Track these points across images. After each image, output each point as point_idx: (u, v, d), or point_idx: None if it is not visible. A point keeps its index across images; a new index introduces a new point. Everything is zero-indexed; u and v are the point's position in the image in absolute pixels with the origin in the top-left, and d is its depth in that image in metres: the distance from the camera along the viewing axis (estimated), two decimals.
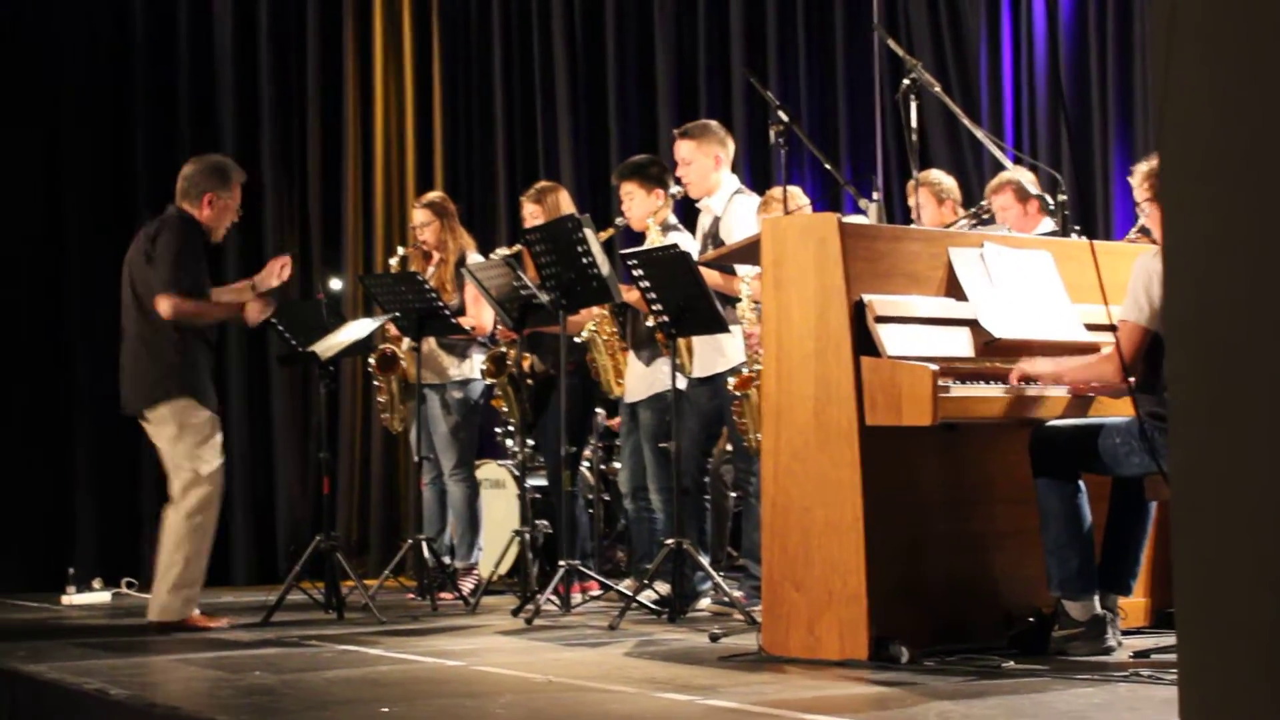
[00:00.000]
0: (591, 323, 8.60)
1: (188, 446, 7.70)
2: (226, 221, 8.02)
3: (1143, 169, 5.87)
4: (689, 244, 8.02)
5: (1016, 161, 8.48)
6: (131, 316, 7.87)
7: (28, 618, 8.88)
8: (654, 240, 8.10)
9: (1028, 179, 7.96)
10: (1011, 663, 5.51)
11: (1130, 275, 5.64)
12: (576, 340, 8.63)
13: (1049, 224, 7.67)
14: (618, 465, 9.18)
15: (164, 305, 7.66)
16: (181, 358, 7.74)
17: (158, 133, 11.50)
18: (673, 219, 8.46)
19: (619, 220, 8.49)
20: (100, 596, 9.84)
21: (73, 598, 9.71)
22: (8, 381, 10.95)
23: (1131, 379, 5.61)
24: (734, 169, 8.27)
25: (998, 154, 7.63)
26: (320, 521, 8.75)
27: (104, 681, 5.68)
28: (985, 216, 7.65)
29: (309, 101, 12.02)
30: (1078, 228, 7.42)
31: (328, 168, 12.06)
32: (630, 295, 8.00)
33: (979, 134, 7.49)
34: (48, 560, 10.69)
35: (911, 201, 8.37)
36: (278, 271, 8.13)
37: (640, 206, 8.42)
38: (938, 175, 8.62)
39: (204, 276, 7.85)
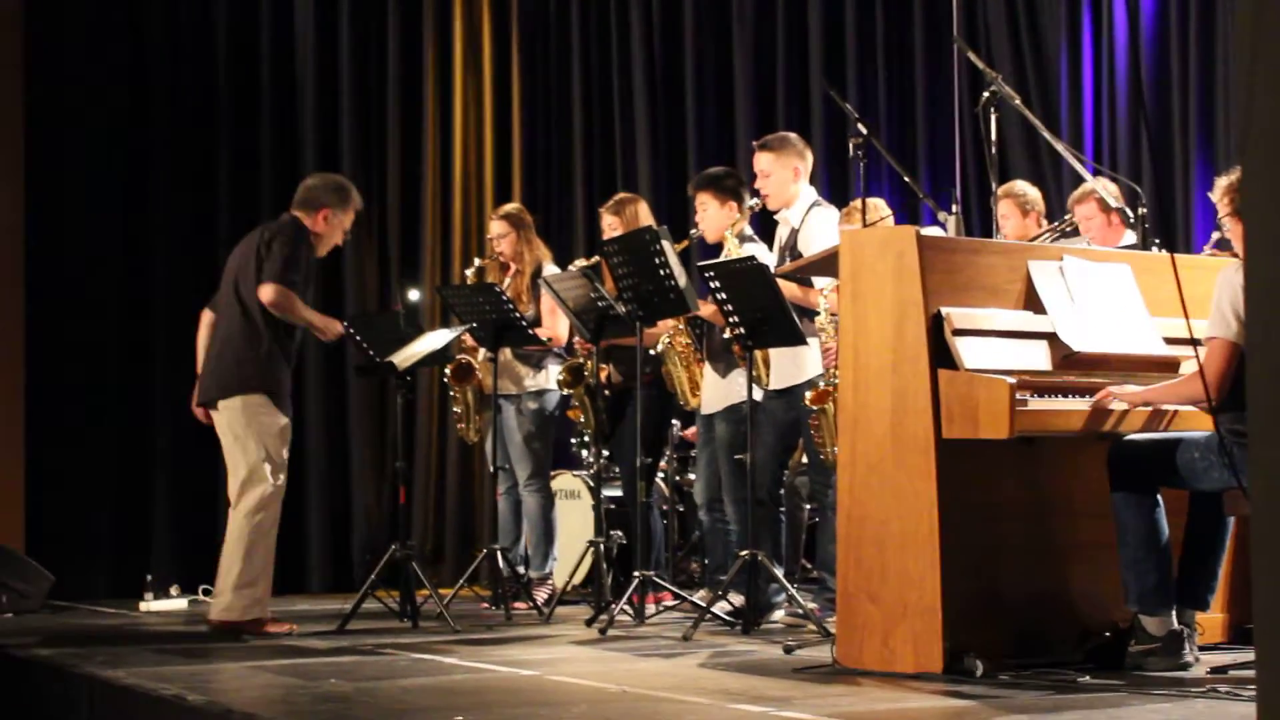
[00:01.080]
0: (666, 335, 8.60)
1: (255, 444, 7.73)
2: (333, 241, 8.13)
3: (1223, 183, 5.82)
4: (765, 256, 8.02)
5: (1096, 174, 8.43)
6: (228, 313, 7.92)
7: (106, 624, 8.94)
8: (731, 252, 8.10)
9: (1110, 191, 7.90)
10: (1088, 677, 5.47)
11: (1214, 290, 5.60)
12: (652, 353, 8.63)
13: (1132, 236, 7.62)
14: (692, 476, 9.17)
15: (266, 291, 7.72)
16: (267, 356, 7.80)
17: (240, 145, 11.57)
18: (748, 231, 8.45)
19: (694, 231, 8.49)
20: (178, 603, 9.91)
21: (150, 604, 9.77)
22: (88, 390, 11.03)
23: (1220, 398, 5.56)
24: (812, 181, 8.26)
25: (1077, 166, 7.59)
26: (396, 530, 8.77)
27: (181, 687, 5.72)
28: (1069, 230, 7.61)
29: (388, 113, 12.08)
30: (1157, 240, 7.37)
31: (406, 179, 12.11)
32: (706, 310, 8.00)
33: (1059, 146, 7.45)
34: (126, 568, 10.77)
35: (995, 213, 8.33)
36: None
37: (714, 218, 8.42)
38: (1022, 187, 8.57)
39: (307, 286, 7.92)
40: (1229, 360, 5.50)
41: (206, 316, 8.18)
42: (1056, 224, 7.88)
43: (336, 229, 8.08)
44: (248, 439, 7.75)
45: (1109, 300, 6.12)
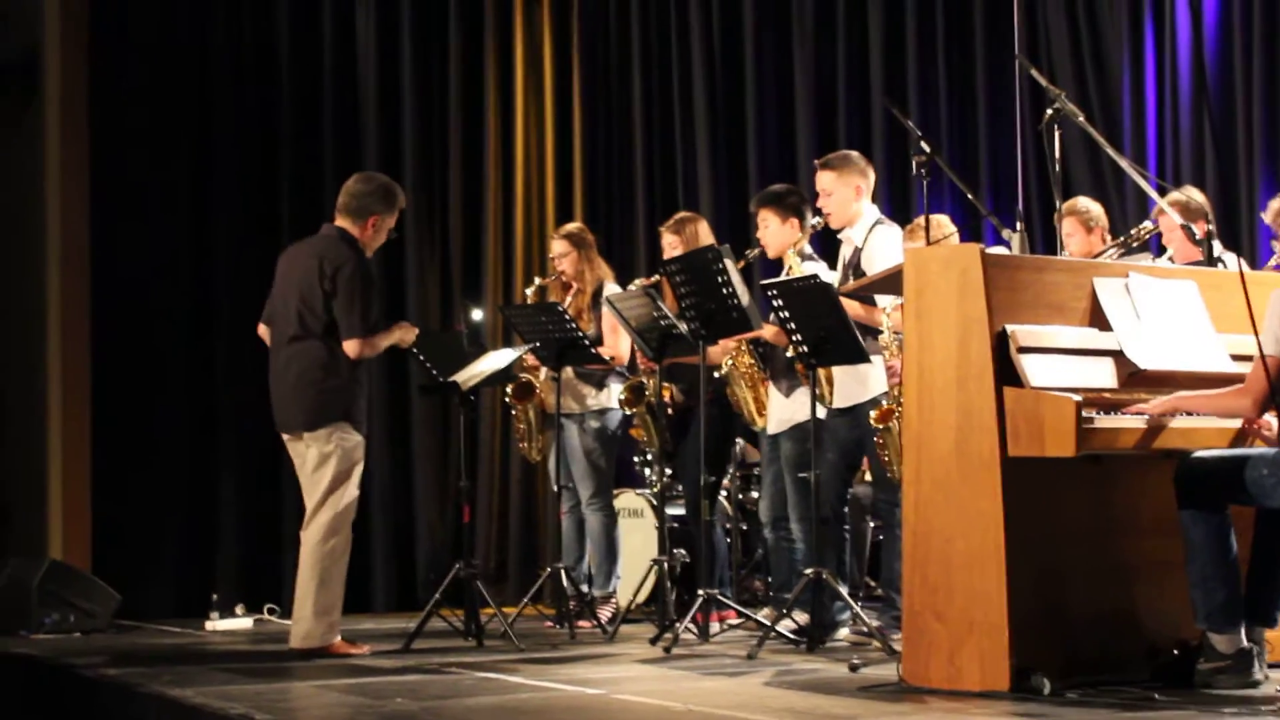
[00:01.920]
0: (728, 356, 8.59)
1: (333, 470, 7.74)
2: (379, 242, 8.08)
3: (1275, 205, 5.86)
4: (826, 274, 8.01)
5: (1160, 191, 8.39)
6: (291, 337, 7.89)
7: (172, 643, 8.99)
8: (793, 270, 8.10)
9: (1192, 205, 7.79)
10: (1157, 695, 5.44)
11: (1267, 307, 5.59)
12: (716, 375, 8.62)
13: (1217, 247, 7.55)
14: (755, 495, 9.16)
15: (352, 348, 7.75)
16: (349, 383, 7.83)
17: (301, 160, 11.63)
18: (808, 249, 8.44)
19: (749, 252, 8.47)
20: (243, 622, 9.95)
21: (216, 624, 9.82)
22: (152, 405, 11.10)
23: (1268, 413, 5.56)
24: (874, 199, 8.25)
25: (1141, 183, 7.55)
26: (460, 549, 8.79)
27: (248, 707, 5.75)
28: (1134, 245, 7.58)
29: (450, 132, 12.11)
30: (1220, 258, 7.33)
31: (468, 198, 12.15)
32: (768, 331, 8.01)
33: (1123, 163, 7.41)
34: (191, 587, 10.83)
35: (1058, 230, 8.29)
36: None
37: (775, 235, 8.42)
38: (1085, 203, 8.53)
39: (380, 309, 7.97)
40: (1276, 377, 5.51)
41: (263, 330, 8.18)
42: (1121, 239, 7.85)
43: (383, 232, 8.05)
44: (328, 466, 7.77)
45: (1175, 317, 6.09)
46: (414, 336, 8.17)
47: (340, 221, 7.99)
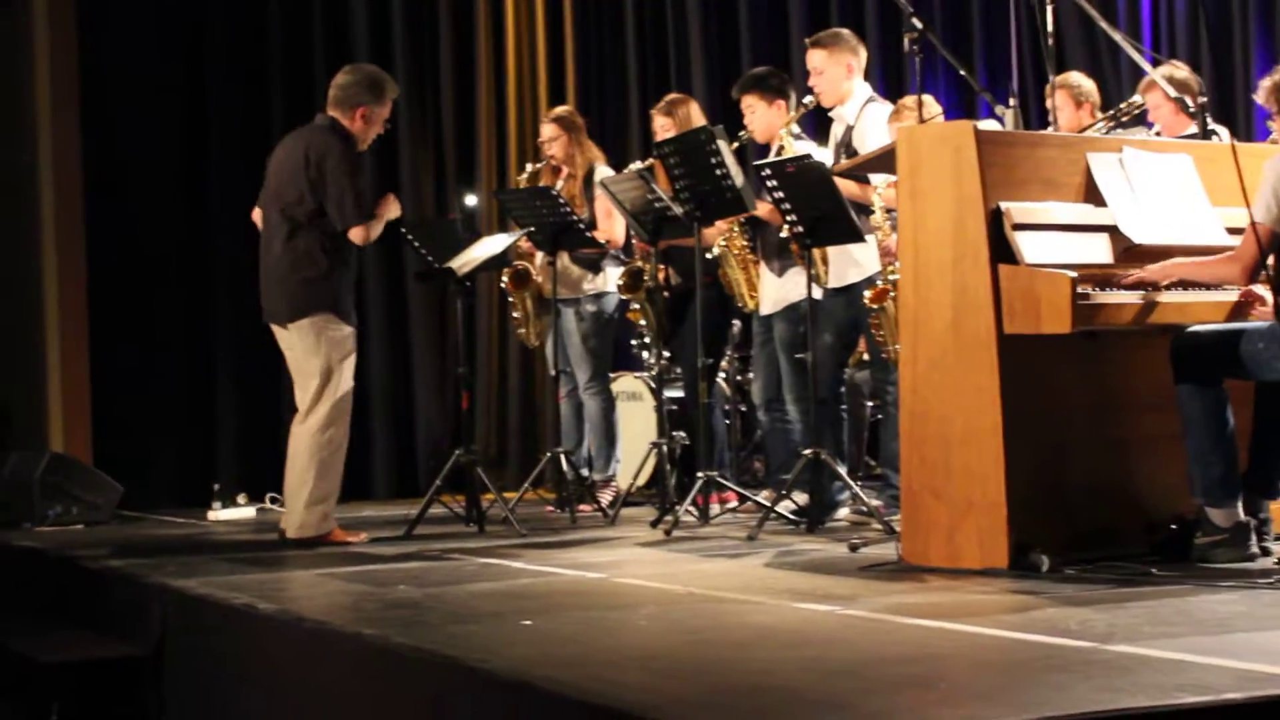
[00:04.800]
0: (722, 238, 8.57)
1: (324, 360, 7.74)
2: (373, 134, 8.02)
3: (1267, 84, 5.83)
4: (818, 154, 7.96)
5: (1155, 64, 8.34)
6: (278, 227, 7.87)
7: (176, 534, 9.02)
8: (786, 150, 8.06)
9: (1175, 79, 7.77)
10: (1154, 570, 5.47)
11: (1260, 177, 5.58)
12: (709, 255, 8.60)
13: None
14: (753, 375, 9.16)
15: (357, 235, 7.73)
16: (330, 273, 7.80)
17: (292, 48, 11.55)
18: (796, 129, 8.39)
19: (743, 134, 8.45)
20: (245, 512, 9.99)
21: (218, 513, 9.86)
22: (149, 301, 11.10)
23: (1258, 281, 5.57)
24: (866, 77, 8.20)
25: (1135, 56, 7.51)
26: (459, 436, 8.81)
27: (252, 596, 5.78)
28: (1124, 119, 7.54)
29: (440, 20, 12.03)
30: (1214, 129, 7.29)
31: (460, 85, 12.08)
32: (763, 209, 7.98)
33: (1116, 37, 7.37)
34: (193, 477, 10.88)
35: (1049, 104, 8.25)
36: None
37: (763, 118, 8.40)
38: (1077, 78, 8.48)
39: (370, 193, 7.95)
40: (1266, 245, 5.51)
41: (257, 215, 8.16)
42: (1110, 113, 7.81)
43: (375, 123, 8.00)
44: (316, 356, 7.76)
45: (1170, 191, 6.08)
46: (397, 209, 8.10)
47: (331, 112, 7.95)
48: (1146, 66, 7.57)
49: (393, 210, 8.00)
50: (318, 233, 7.77)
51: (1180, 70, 7.88)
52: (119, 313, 11.00)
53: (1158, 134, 7.69)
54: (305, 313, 7.76)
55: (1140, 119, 7.83)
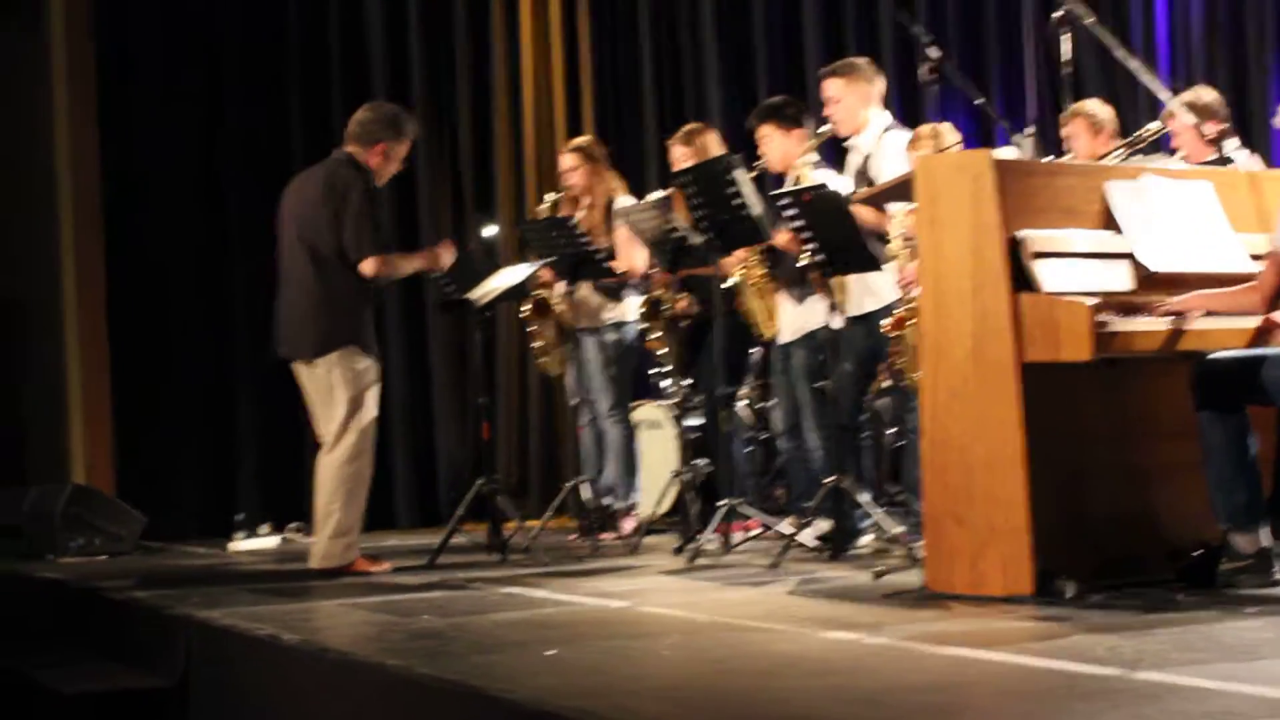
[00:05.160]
0: (740, 267, 8.58)
1: (350, 393, 7.77)
2: (391, 171, 8.06)
3: None
4: (836, 182, 7.97)
5: (1173, 91, 8.36)
6: (298, 262, 7.89)
7: (199, 564, 9.04)
8: (803, 179, 8.07)
9: (1199, 103, 7.75)
10: (1180, 596, 5.47)
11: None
12: (723, 286, 8.60)
13: (1232, 146, 7.51)
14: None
15: (369, 267, 7.72)
16: (354, 306, 7.82)
17: (310, 82, 11.58)
18: (814, 157, 8.39)
19: (757, 164, 8.44)
20: (267, 542, 10.00)
21: (240, 544, 9.88)
22: (170, 331, 11.11)
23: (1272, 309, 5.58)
24: (884, 106, 8.22)
25: (1149, 83, 7.52)
26: (481, 465, 8.83)
27: (276, 627, 5.79)
28: (1142, 146, 7.55)
29: (457, 51, 12.04)
30: (1229, 157, 7.30)
31: (477, 114, 12.10)
32: (781, 239, 8.00)
33: (1132, 65, 7.38)
34: (215, 508, 10.88)
35: (1064, 132, 8.26)
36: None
37: (778, 148, 8.40)
38: (1093, 105, 8.48)
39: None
40: None
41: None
42: (1129, 140, 7.82)
43: (394, 160, 8.03)
44: (341, 390, 7.77)
45: (1189, 218, 6.07)
46: (447, 257, 8.13)
47: (349, 148, 7.98)
48: (1163, 95, 7.58)
49: (438, 259, 8.04)
50: (341, 266, 7.78)
51: (1207, 94, 7.86)
52: (140, 342, 11.01)
53: (1184, 159, 7.68)
54: (331, 347, 7.78)
55: (1159, 145, 7.84)
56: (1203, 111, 7.53)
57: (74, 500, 9.72)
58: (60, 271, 11.08)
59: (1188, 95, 7.75)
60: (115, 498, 10.18)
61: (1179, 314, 5.74)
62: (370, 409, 7.83)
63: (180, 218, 11.21)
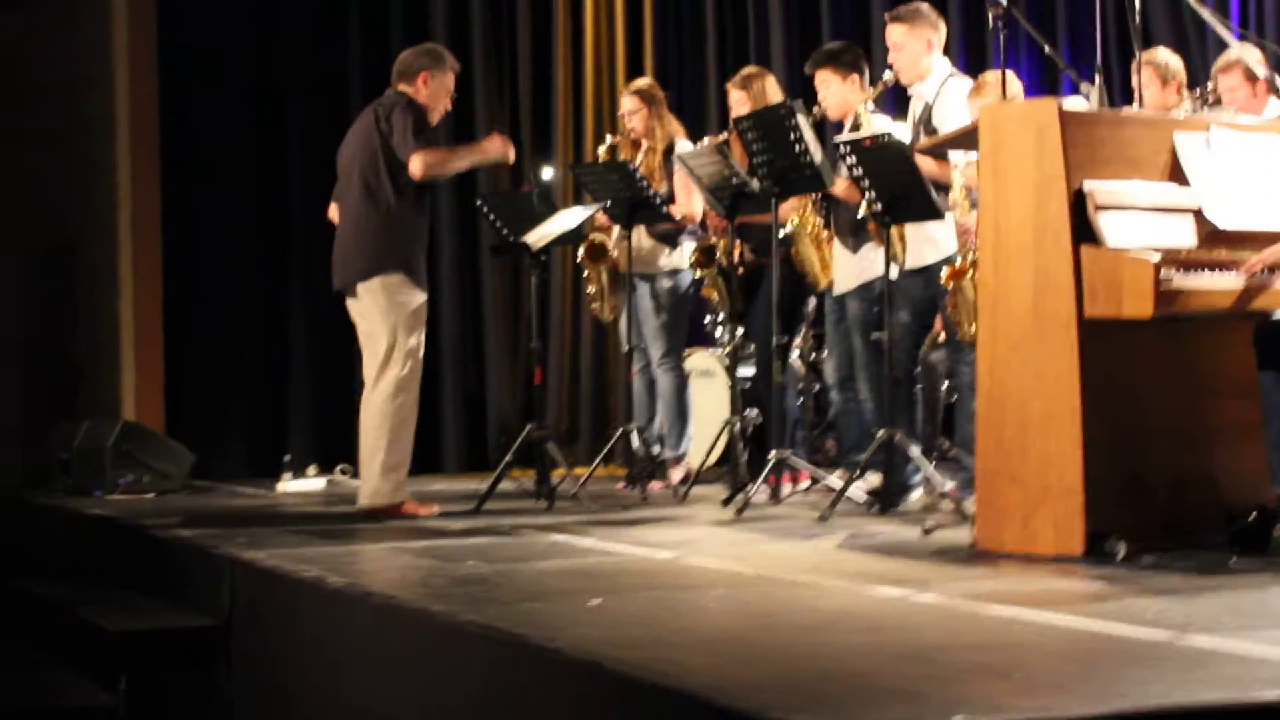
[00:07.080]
0: (795, 215, 8.49)
1: (393, 324, 7.71)
2: (441, 104, 8.02)
3: None
4: (896, 130, 7.86)
5: (1242, 39, 8.20)
6: (352, 200, 7.89)
7: (246, 504, 9.05)
8: (864, 126, 7.97)
9: (1255, 58, 7.66)
10: (1234, 559, 5.37)
11: None
12: (781, 233, 8.51)
13: (1278, 105, 7.39)
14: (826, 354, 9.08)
15: (415, 163, 7.67)
16: (400, 233, 7.78)
17: (371, 25, 11.54)
18: (872, 105, 8.28)
19: (816, 109, 8.33)
20: (315, 483, 9.99)
21: (288, 484, 9.86)
22: (222, 272, 11.12)
23: None
24: (946, 52, 8.09)
25: (1223, 32, 7.37)
26: (531, 411, 8.78)
27: (322, 569, 5.76)
28: (1211, 100, 7.41)
29: None
30: None
31: (537, 58, 12.05)
32: (838, 187, 7.89)
33: (1203, 12, 7.25)
34: (264, 447, 10.89)
35: (1135, 81, 8.11)
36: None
37: (837, 94, 8.29)
38: (1164, 55, 8.32)
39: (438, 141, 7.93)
40: None
41: (333, 211, 8.16)
42: (1197, 93, 7.68)
43: (440, 91, 8.01)
44: (385, 321, 7.73)
45: (1259, 173, 5.95)
46: (506, 147, 8.06)
47: (397, 86, 8.00)
48: (1233, 42, 7.43)
49: (495, 147, 7.99)
50: (392, 191, 7.76)
51: (1252, 53, 7.72)
52: (193, 279, 11.03)
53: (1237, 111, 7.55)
54: (376, 271, 7.74)
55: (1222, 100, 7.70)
56: (1255, 70, 7.40)
57: (124, 436, 9.75)
58: (116, 214, 11.08)
59: (1236, 53, 7.58)
60: (165, 435, 10.18)
61: (1271, 269, 5.58)
62: (415, 346, 7.76)
63: (236, 161, 11.21)
